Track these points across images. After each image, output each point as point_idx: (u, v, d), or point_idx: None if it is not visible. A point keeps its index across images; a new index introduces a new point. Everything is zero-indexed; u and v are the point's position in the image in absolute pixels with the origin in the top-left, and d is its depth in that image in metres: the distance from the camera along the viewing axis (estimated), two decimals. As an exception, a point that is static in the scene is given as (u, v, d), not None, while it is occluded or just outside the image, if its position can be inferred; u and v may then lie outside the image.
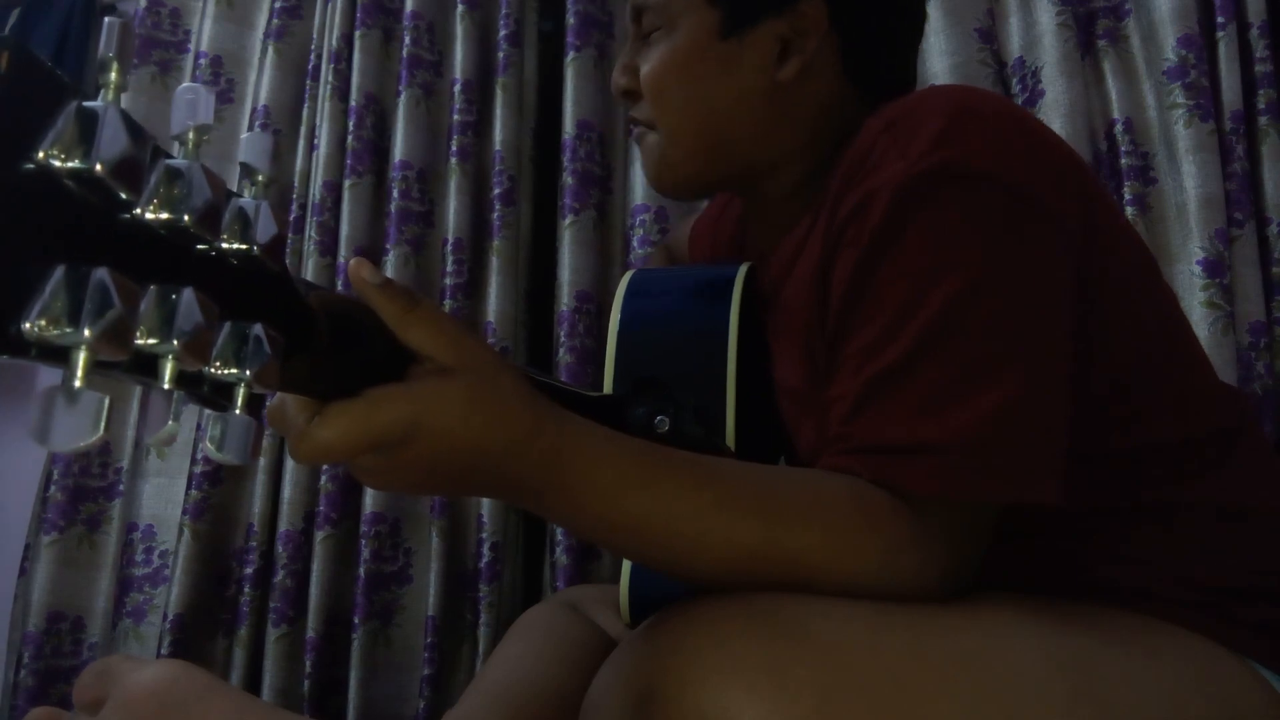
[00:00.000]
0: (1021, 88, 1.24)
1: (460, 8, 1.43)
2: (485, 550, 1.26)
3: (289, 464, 1.33)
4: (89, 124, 0.24)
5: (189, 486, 1.34)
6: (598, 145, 1.39)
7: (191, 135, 0.29)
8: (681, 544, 0.47)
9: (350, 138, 1.40)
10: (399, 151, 1.39)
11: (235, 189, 0.32)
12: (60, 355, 0.24)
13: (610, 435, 0.47)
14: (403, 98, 1.41)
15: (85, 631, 1.38)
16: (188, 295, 0.27)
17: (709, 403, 0.68)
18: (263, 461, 1.35)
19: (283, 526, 1.31)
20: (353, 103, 1.41)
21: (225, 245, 0.30)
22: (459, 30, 1.43)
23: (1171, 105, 1.15)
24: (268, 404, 0.42)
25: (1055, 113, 1.18)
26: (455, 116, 1.40)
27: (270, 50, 1.48)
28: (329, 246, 1.39)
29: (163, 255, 0.28)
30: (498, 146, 1.38)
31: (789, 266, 0.69)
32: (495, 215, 1.36)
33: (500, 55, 1.41)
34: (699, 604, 0.47)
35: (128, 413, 1.46)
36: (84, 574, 1.40)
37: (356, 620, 1.26)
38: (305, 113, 1.46)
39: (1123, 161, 1.16)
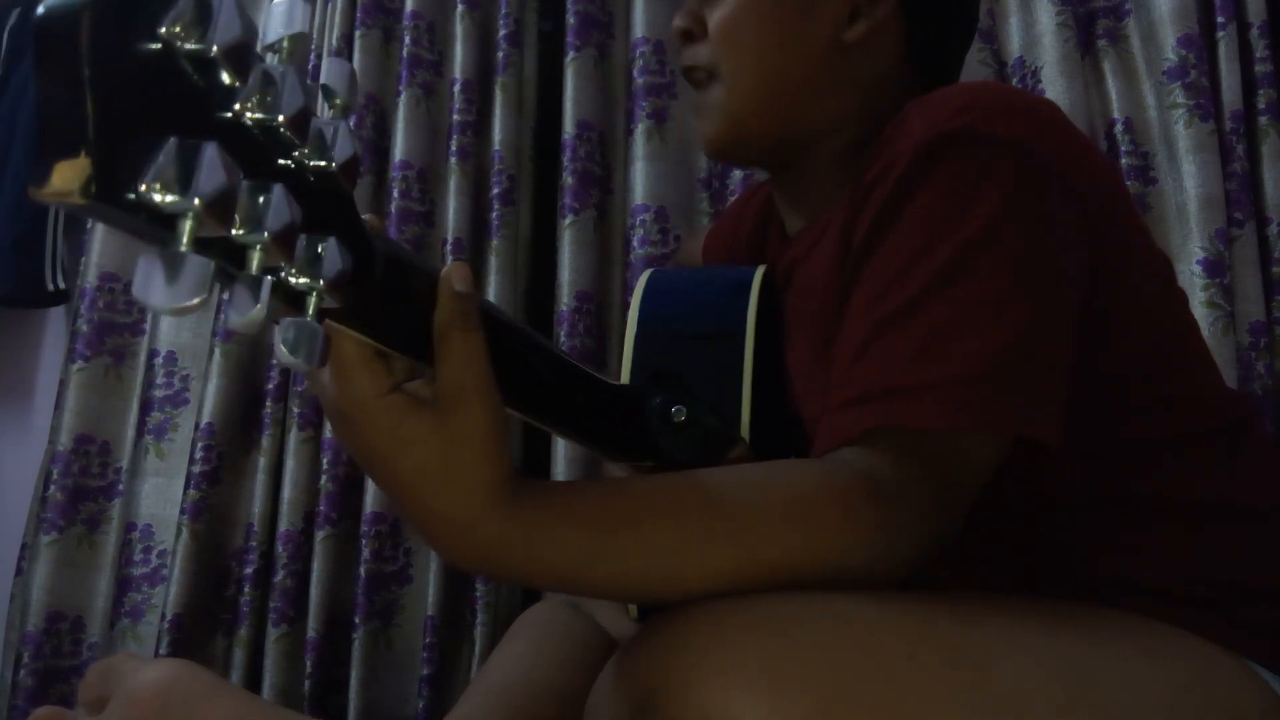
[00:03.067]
0: (1021, 88, 1.24)
1: (460, 8, 1.43)
2: (485, 550, 1.26)
3: (289, 464, 1.33)
4: (206, 7, 0.26)
5: (187, 486, 1.34)
6: (598, 145, 1.39)
7: (286, 43, 0.30)
8: (660, 586, 0.48)
9: (350, 137, 1.40)
10: (399, 151, 1.39)
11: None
12: (167, 223, 0.25)
13: (563, 506, 0.46)
14: (403, 98, 1.41)
15: (85, 631, 1.38)
16: (278, 191, 0.28)
17: (725, 397, 0.68)
18: (262, 462, 1.35)
19: (283, 526, 1.30)
20: (353, 102, 1.41)
21: (306, 161, 0.31)
22: (459, 30, 1.43)
23: (1171, 105, 1.16)
24: None
25: (1055, 113, 1.18)
26: (455, 116, 1.40)
27: (270, 50, 1.48)
28: (329, 246, 1.38)
29: (255, 154, 0.29)
30: (497, 146, 1.38)
31: (811, 248, 0.70)
32: (495, 215, 1.36)
33: (500, 55, 1.41)
34: (702, 604, 0.47)
35: (127, 413, 1.46)
36: (84, 574, 1.40)
37: (357, 620, 1.26)
38: (305, 112, 1.46)
39: (1123, 161, 1.17)
